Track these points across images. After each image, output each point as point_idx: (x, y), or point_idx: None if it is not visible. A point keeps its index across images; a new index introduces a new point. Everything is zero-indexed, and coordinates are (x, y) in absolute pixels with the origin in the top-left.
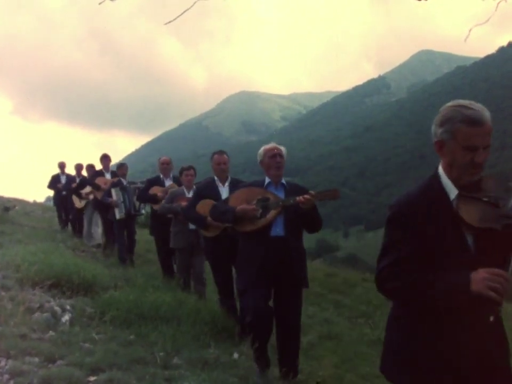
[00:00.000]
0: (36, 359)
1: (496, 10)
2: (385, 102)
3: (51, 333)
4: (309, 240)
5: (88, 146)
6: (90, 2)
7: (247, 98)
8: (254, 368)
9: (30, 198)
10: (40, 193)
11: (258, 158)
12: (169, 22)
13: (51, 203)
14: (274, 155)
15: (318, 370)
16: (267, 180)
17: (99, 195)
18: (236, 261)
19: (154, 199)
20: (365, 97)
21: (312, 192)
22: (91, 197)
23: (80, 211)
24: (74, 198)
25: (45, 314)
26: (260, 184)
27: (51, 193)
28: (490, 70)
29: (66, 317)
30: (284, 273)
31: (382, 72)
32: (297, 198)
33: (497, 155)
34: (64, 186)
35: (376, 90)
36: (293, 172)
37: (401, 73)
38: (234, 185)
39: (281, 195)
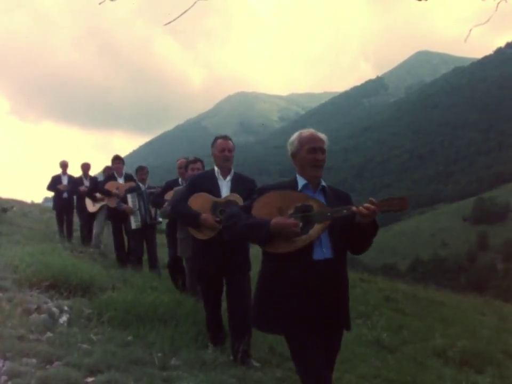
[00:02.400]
0: (34, 360)
1: (496, 11)
2: (383, 103)
3: (49, 334)
4: None
5: (86, 147)
6: (89, 2)
7: (245, 99)
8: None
9: (27, 198)
10: (38, 194)
11: (290, 149)
12: (169, 22)
13: (49, 204)
14: (314, 149)
15: None
16: (301, 181)
17: (111, 202)
18: (257, 291)
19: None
20: (363, 98)
21: (374, 200)
22: (106, 201)
23: (92, 216)
24: (88, 201)
25: (43, 316)
26: (292, 186)
27: (49, 194)
28: (488, 71)
29: (64, 318)
30: (331, 311)
31: (380, 73)
32: (354, 208)
33: (494, 156)
34: (69, 188)
35: (374, 91)
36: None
37: (399, 74)
38: (238, 182)
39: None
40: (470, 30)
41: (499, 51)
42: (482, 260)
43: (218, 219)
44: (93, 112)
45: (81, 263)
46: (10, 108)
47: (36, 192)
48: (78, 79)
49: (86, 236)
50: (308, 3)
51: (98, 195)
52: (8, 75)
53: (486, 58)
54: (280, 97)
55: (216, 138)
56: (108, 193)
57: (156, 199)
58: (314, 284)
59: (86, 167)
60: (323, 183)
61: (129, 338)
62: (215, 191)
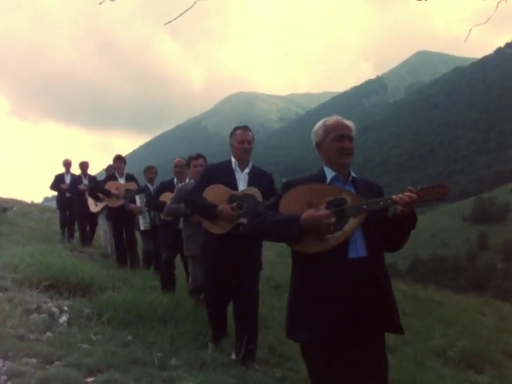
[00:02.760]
0: (34, 360)
1: (496, 10)
2: (383, 103)
3: (49, 334)
4: None
5: (86, 147)
6: (88, 1)
7: (245, 99)
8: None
9: (27, 198)
10: (38, 193)
11: (314, 138)
12: (169, 22)
13: (49, 204)
14: (341, 137)
15: None
16: (330, 173)
17: (111, 202)
18: (290, 298)
19: (161, 209)
20: (363, 98)
21: (412, 189)
22: (106, 201)
23: (93, 216)
24: (90, 201)
25: (43, 315)
26: (320, 179)
27: (49, 193)
28: (487, 71)
29: (64, 318)
30: (369, 315)
31: (379, 73)
32: (394, 197)
33: (494, 156)
34: (69, 187)
35: (374, 91)
36: (291, 173)
37: (398, 74)
38: (256, 176)
39: None
40: (470, 30)
41: (499, 51)
42: (482, 259)
43: (237, 213)
44: (93, 112)
45: (81, 263)
46: (10, 107)
47: (36, 192)
48: (78, 79)
49: (86, 236)
50: (307, 3)
51: (101, 194)
52: (7, 75)
53: (486, 58)
54: (280, 97)
55: (236, 129)
56: (107, 193)
57: (151, 201)
58: (351, 286)
59: (84, 165)
60: (353, 174)
61: (129, 338)
62: (232, 183)
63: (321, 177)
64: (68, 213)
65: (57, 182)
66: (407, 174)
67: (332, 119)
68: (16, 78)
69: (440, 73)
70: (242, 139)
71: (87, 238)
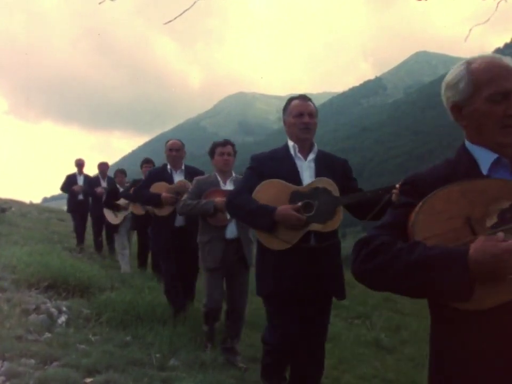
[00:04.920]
0: (32, 361)
1: (496, 10)
2: (381, 103)
3: (47, 334)
4: None
5: (85, 147)
6: (88, 1)
7: (244, 99)
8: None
9: (26, 199)
10: (37, 194)
11: (451, 95)
12: (169, 21)
13: (48, 204)
14: (507, 95)
15: None
16: (485, 155)
17: (137, 210)
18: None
19: (156, 201)
20: (362, 98)
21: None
22: (130, 209)
23: (115, 228)
24: (107, 211)
25: (41, 316)
26: (466, 168)
27: (47, 194)
28: None
29: (62, 319)
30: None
31: (378, 74)
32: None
33: None
34: (84, 189)
35: (372, 91)
36: None
37: (397, 75)
38: (325, 162)
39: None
40: (470, 30)
41: (498, 51)
42: None
43: (305, 217)
44: (92, 112)
45: (79, 263)
46: (8, 107)
47: (35, 192)
48: (77, 78)
49: (100, 243)
50: (306, 3)
51: (122, 202)
52: (6, 74)
53: None
54: (279, 98)
55: (291, 100)
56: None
57: (141, 192)
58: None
59: (103, 166)
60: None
61: (128, 338)
62: (292, 176)
63: (467, 165)
64: (79, 216)
65: (69, 183)
66: (406, 174)
67: (488, 59)
68: (14, 78)
69: (439, 73)
70: (300, 111)
71: (101, 245)
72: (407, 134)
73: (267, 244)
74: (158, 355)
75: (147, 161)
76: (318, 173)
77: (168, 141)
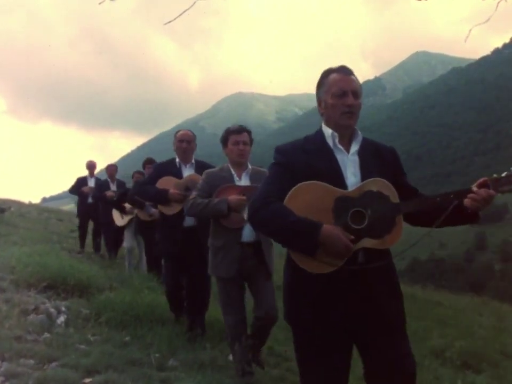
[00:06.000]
0: (31, 361)
1: (496, 10)
2: (381, 104)
3: (46, 334)
4: None
5: (84, 147)
6: (88, 1)
7: (243, 99)
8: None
9: (25, 199)
10: (36, 194)
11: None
12: (169, 22)
13: (47, 204)
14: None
15: None
16: None
17: (142, 214)
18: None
19: (163, 198)
20: (361, 98)
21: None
22: (136, 212)
23: (121, 230)
24: (115, 213)
25: (40, 316)
26: None
27: (46, 194)
28: (485, 72)
29: (61, 319)
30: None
31: (377, 74)
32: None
33: (492, 156)
34: (94, 193)
35: (372, 91)
36: None
37: (396, 75)
38: (371, 154)
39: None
40: (470, 30)
41: (496, 52)
42: (480, 260)
43: (354, 230)
44: (91, 112)
45: (79, 263)
46: (7, 107)
47: (34, 192)
48: (76, 79)
49: (112, 248)
50: (305, 3)
51: (127, 206)
52: (5, 74)
53: (484, 59)
54: (278, 98)
55: (328, 72)
56: (139, 204)
57: (141, 188)
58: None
59: (112, 169)
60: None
61: (127, 339)
62: (333, 174)
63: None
64: (89, 220)
65: (79, 186)
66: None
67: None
68: (13, 78)
69: (438, 74)
70: (343, 88)
71: (113, 251)
72: (406, 134)
73: (302, 264)
74: (157, 355)
75: (149, 161)
76: (365, 169)
77: (178, 132)
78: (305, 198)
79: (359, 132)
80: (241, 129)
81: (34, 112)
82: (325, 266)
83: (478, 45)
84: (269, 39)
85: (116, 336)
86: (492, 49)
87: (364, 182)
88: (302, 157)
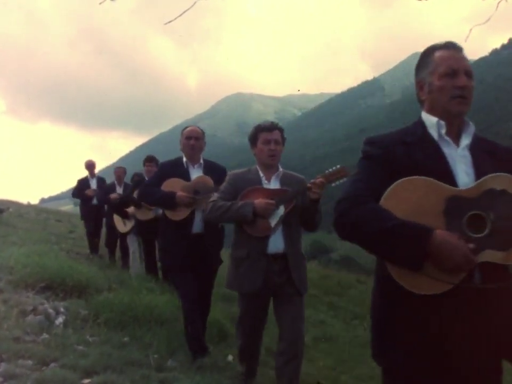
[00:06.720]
0: (30, 362)
1: (496, 10)
2: (379, 104)
3: (45, 335)
4: (304, 241)
5: (83, 148)
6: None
7: (242, 100)
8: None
9: (24, 199)
10: (34, 194)
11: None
12: (169, 22)
13: (45, 205)
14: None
15: (313, 372)
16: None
17: (142, 215)
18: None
19: (170, 201)
20: (360, 99)
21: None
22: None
23: (124, 236)
24: (117, 219)
25: (39, 317)
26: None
27: (45, 195)
28: (483, 72)
29: (60, 319)
30: None
31: (376, 74)
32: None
33: None
34: (99, 196)
35: (370, 92)
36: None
37: (395, 75)
38: (481, 150)
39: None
40: (470, 30)
41: (495, 52)
42: None
43: (472, 235)
44: (90, 112)
45: (77, 264)
46: (7, 107)
47: (32, 193)
48: (75, 79)
49: (113, 253)
50: (304, 4)
51: (131, 210)
52: (4, 74)
53: (482, 60)
54: (277, 98)
55: (433, 49)
56: (138, 205)
57: (146, 189)
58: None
59: (120, 171)
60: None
61: (126, 339)
62: (440, 170)
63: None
64: (94, 223)
65: (81, 188)
66: None
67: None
68: (12, 78)
69: None
70: (453, 67)
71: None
72: None
73: (403, 281)
74: (155, 356)
75: (150, 159)
76: (479, 168)
77: (185, 128)
78: (407, 197)
79: (471, 123)
80: (272, 127)
81: (33, 112)
82: (436, 285)
83: (476, 46)
84: (268, 39)
85: (115, 336)
86: (490, 50)
87: (483, 178)
88: (401, 149)
